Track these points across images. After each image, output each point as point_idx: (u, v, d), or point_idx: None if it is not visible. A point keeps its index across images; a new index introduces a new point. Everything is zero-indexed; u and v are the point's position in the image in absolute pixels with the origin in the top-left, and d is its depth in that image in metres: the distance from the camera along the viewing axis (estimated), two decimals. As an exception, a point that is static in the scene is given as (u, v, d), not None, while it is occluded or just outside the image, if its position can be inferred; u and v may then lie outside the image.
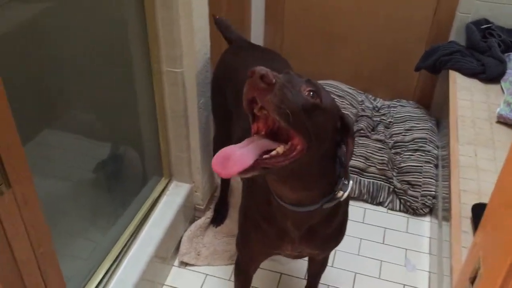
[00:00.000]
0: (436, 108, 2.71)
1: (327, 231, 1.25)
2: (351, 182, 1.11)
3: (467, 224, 1.57)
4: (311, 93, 0.94)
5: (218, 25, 1.89)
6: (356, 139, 2.45)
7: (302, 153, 0.92)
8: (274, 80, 0.86)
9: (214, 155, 2.17)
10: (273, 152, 0.90)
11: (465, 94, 2.24)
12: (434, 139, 2.44)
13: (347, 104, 2.60)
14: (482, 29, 2.41)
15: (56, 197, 1.44)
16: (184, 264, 1.95)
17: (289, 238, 1.23)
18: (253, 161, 0.88)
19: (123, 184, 1.83)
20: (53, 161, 1.44)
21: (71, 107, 1.49)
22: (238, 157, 0.89)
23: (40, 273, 0.99)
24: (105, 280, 1.58)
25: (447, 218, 1.72)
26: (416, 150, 2.36)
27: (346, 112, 2.52)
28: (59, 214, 1.44)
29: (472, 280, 0.75)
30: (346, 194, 1.10)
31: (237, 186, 2.20)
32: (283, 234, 1.23)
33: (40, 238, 0.96)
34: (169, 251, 1.90)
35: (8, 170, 0.84)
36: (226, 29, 1.89)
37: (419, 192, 2.20)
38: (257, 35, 2.83)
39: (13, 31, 1.17)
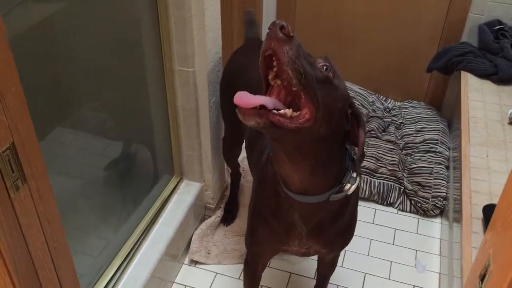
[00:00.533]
0: (447, 109, 2.69)
1: (335, 229, 1.25)
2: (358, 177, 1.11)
3: (478, 225, 1.56)
4: (325, 67, 0.97)
5: (246, 17, 1.90)
6: (367, 139, 2.44)
7: (309, 122, 0.94)
8: (292, 34, 0.88)
9: (224, 155, 2.15)
10: (282, 111, 0.92)
11: (477, 95, 2.22)
12: (446, 140, 2.43)
13: (358, 105, 2.60)
14: (495, 30, 2.39)
15: (68, 194, 1.45)
16: (194, 262, 1.96)
17: (296, 233, 1.23)
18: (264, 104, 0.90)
19: (134, 182, 1.85)
20: (65, 159, 1.45)
21: (84, 106, 1.51)
22: (255, 96, 0.91)
23: (53, 267, 1.01)
24: (116, 276, 1.60)
25: (458, 219, 1.71)
26: (427, 151, 2.35)
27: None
28: (71, 211, 1.46)
29: (482, 277, 0.75)
30: (353, 187, 1.10)
31: (247, 185, 2.21)
32: (290, 229, 1.23)
33: (54, 232, 0.98)
34: (179, 249, 1.91)
35: (24, 165, 0.85)
36: (250, 24, 1.89)
37: (430, 193, 2.20)
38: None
39: (27, 30, 1.18)
